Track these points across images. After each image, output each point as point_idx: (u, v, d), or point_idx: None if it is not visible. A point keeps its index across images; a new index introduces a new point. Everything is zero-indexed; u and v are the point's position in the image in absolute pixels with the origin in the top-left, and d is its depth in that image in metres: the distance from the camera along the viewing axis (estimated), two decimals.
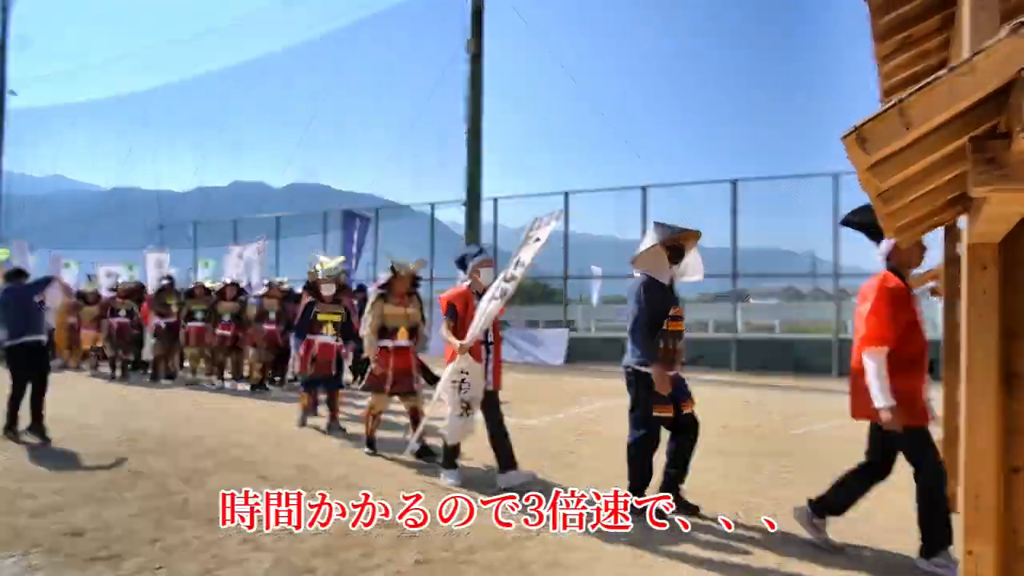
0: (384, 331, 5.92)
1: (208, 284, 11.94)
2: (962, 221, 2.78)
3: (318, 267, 7.65)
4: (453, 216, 19.39)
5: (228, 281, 11.78)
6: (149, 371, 12.00)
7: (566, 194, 16.99)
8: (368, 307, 6.04)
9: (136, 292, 13.03)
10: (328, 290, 7.37)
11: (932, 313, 15.21)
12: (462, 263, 5.40)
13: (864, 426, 4.13)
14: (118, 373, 12.06)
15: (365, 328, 5.97)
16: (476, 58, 17.58)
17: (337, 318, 7.42)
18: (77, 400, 9.32)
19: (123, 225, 31.86)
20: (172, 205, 33.64)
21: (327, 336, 7.31)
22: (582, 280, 20.17)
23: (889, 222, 2.68)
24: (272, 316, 10.62)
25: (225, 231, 22.68)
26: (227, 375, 11.27)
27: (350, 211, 14.06)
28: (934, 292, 4.95)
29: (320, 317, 7.30)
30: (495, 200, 18.12)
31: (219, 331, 10.97)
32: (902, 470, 5.85)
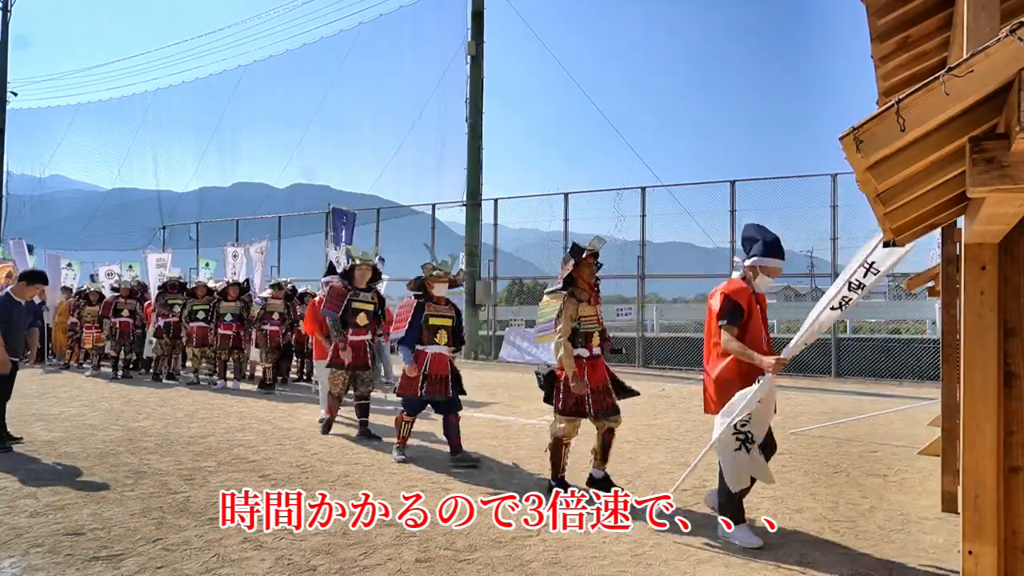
0: (574, 337, 4.73)
1: (211, 284, 11.97)
2: (960, 221, 2.79)
3: (377, 259, 6.90)
4: (453, 216, 19.43)
5: (230, 281, 11.82)
6: (151, 371, 12.03)
7: (566, 194, 17.02)
8: (558, 308, 4.77)
9: (139, 292, 13.07)
10: (441, 289, 5.90)
11: (931, 313, 15.23)
12: (749, 246, 4.16)
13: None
14: (119, 373, 12.08)
15: (556, 335, 4.74)
16: (476, 59, 17.60)
17: (450, 322, 5.91)
18: (78, 400, 9.33)
19: (123, 225, 31.85)
20: (173, 205, 33.64)
21: (440, 346, 5.82)
22: None
23: (887, 222, 2.68)
24: (276, 317, 10.65)
25: (227, 231, 22.72)
26: (228, 375, 11.28)
27: (337, 208, 14.10)
28: (932, 292, 4.96)
29: (433, 322, 5.78)
30: (495, 200, 18.16)
31: (221, 331, 10.99)
32: (904, 472, 5.87)
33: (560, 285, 4.81)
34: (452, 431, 5.77)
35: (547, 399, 4.88)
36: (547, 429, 5.11)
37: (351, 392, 7.12)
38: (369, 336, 6.93)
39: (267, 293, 11.17)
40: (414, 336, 5.74)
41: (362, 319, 6.82)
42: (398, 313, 5.92)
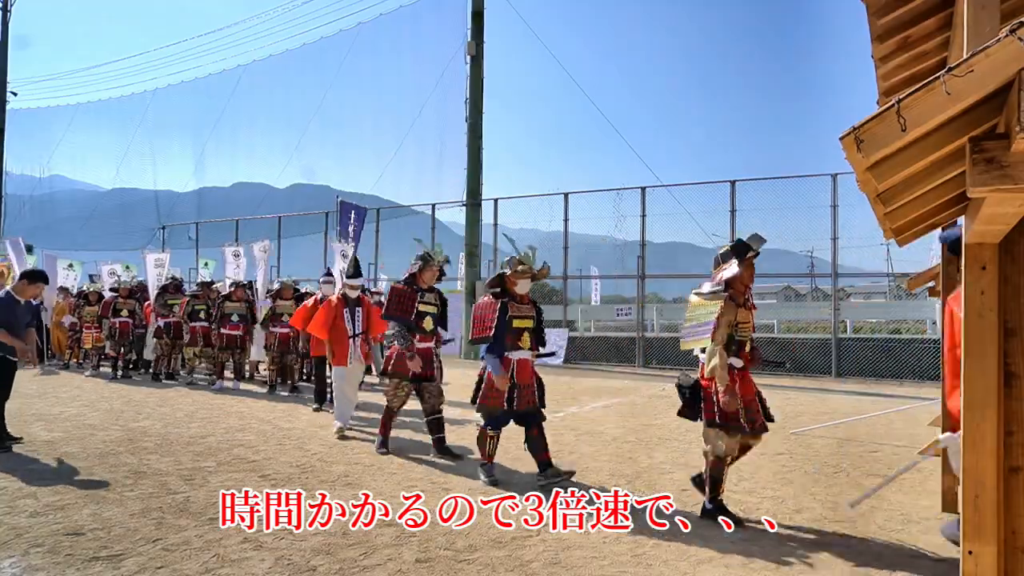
0: (728, 345, 4.24)
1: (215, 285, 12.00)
2: (961, 221, 2.79)
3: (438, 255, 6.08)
4: (453, 216, 19.45)
5: (233, 280, 11.83)
6: (150, 371, 12.04)
7: (566, 194, 17.02)
8: (717, 310, 4.21)
9: (138, 292, 13.08)
10: (524, 286, 5.26)
11: (931, 313, 15.23)
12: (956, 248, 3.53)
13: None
14: (119, 373, 12.08)
15: (709, 342, 4.19)
16: (476, 59, 17.60)
17: (532, 323, 5.26)
18: (78, 400, 9.33)
19: (123, 225, 31.88)
20: (173, 205, 33.67)
21: (524, 350, 5.19)
22: (582, 280, 20.18)
23: (887, 222, 2.68)
24: (285, 318, 10.56)
25: (227, 231, 22.73)
26: (228, 375, 11.27)
27: (346, 202, 13.85)
28: (933, 292, 4.95)
29: (516, 324, 5.15)
30: (495, 200, 18.17)
31: (228, 331, 10.96)
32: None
33: (720, 286, 4.31)
34: (539, 445, 5.11)
35: (687, 413, 4.46)
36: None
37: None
38: (433, 343, 6.15)
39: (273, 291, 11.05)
40: (503, 341, 5.08)
41: (428, 323, 6.03)
42: (475, 315, 5.27)
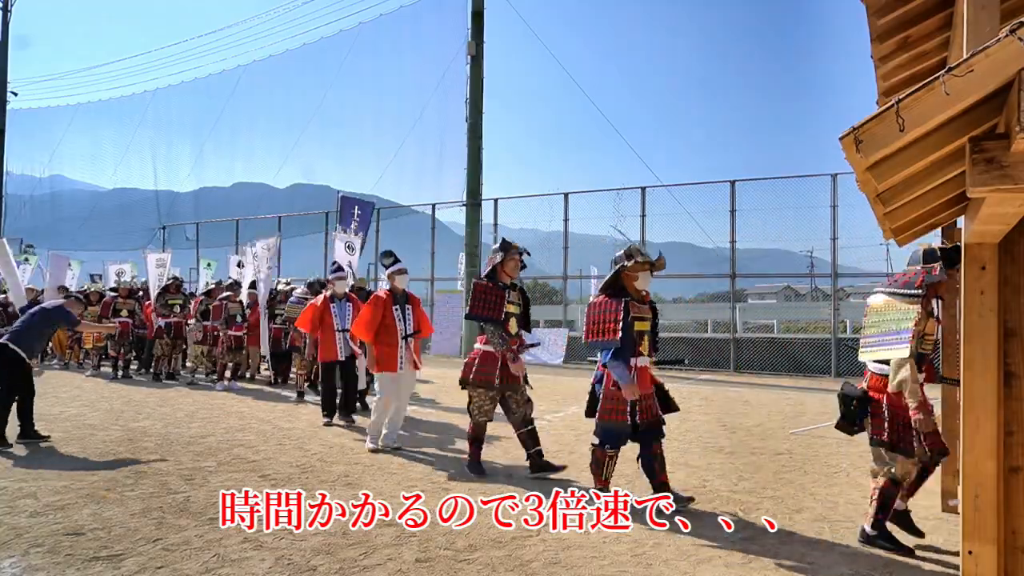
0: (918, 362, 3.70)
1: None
2: (960, 221, 2.79)
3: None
4: (453, 216, 19.44)
5: (232, 281, 11.83)
6: (151, 371, 12.04)
7: (566, 194, 17.02)
8: (914, 317, 3.61)
9: (138, 292, 13.08)
10: (644, 281, 4.55)
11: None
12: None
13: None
14: (119, 373, 12.08)
15: (904, 354, 3.61)
16: (476, 59, 17.60)
17: (649, 326, 4.60)
18: (78, 399, 9.33)
19: (123, 225, 31.87)
20: (172, 205, 33.66)
21: (644, 356, 4.53)
22: (582, 280, 20.17)
23: (887, 222, 2.69)
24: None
25: (227, 231, 22.72)
26: (227, 375, 11.27)
27: (347, 197, 13.46)
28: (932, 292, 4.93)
29: (638, 327, 4.47)
30: (495, 200, 18.17)
31: (234, 332, 10.93)
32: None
33: (919, 290, 3.67)
34: (657, 465, 4.49)
35: (846, 427, 4.02)
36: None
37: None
38: (517, 347, 5.40)
39: (301, 291, 10.69)
40: (630, 344, 4.39)
41: (513, 325, 5.37)
42: (591, 317, 4.56)
